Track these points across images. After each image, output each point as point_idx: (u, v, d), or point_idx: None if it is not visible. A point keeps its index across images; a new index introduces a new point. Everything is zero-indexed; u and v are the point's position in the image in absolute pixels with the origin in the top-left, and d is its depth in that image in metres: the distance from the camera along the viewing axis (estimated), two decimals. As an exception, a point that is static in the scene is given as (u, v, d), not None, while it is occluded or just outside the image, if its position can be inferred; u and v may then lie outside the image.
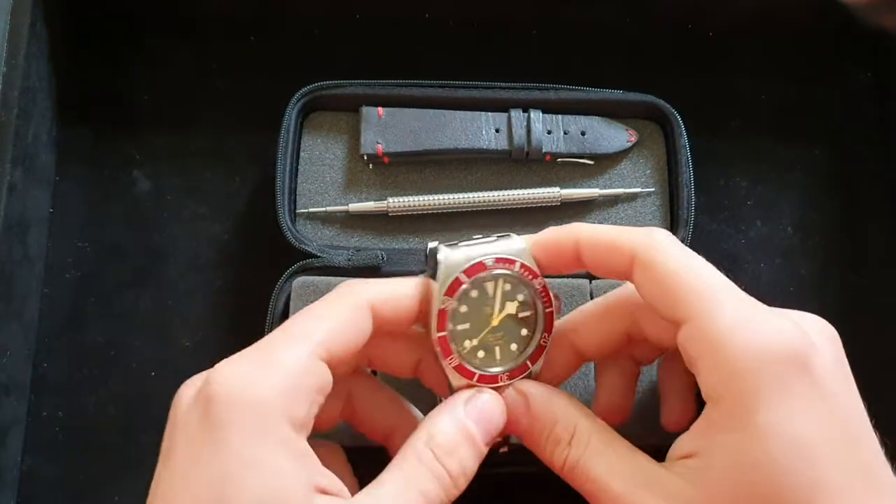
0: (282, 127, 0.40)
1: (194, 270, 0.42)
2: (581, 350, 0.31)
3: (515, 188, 0.41)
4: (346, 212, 0.40)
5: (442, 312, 0.29)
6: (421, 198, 0.40)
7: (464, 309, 0.29)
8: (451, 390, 0.29)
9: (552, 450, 0.28)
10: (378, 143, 0.40)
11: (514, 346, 0.30)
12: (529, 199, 0.41)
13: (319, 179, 0.41)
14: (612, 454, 0.27)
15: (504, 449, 0.31)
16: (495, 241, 0.30)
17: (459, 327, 0.29)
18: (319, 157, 0.41)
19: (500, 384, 0.29)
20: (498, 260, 0.29)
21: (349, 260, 0.38)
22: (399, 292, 0.29)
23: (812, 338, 0.26)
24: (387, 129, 0.40)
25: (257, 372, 0.25)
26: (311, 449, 0.25)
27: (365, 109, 0.41)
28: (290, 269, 0.38)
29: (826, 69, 0.47)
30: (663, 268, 0.27)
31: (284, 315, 0.38)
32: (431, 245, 0.30)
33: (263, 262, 0.41)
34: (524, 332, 0.30)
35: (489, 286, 0.30)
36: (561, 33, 0.47)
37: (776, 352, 0.25)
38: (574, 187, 0.41)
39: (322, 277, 0.38)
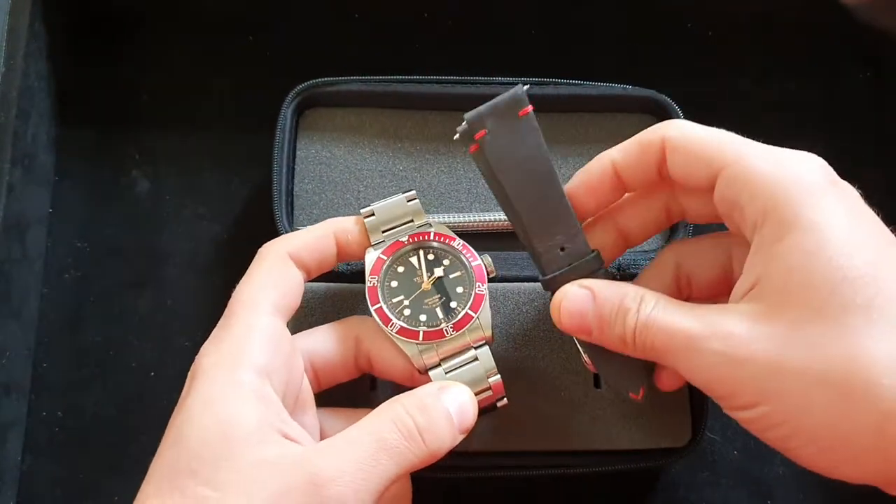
0: (277, 125, 0.40)
1: (194, 270, 0.42)
2: (625, 231, 0.32)
3: None
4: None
5: (371, 289, 0.32)
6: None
7: (394, 284, 0.32)
8: (413, 363, 0.31)
9: (622, 321, 0.28)
10: (486, 130, 0.30)
11: (454, 304, 0.32)
12: None
13: (317, 178, 0.41)
14: (680, 307, 0.28)
15: (504, 402, 0.32)
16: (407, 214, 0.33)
17: (394, 299, 0.32)
18: (316, 155, 0.41)
19: (448, 337, 0.31)
20: (413, 236, 0.33)
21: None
22: (312, 238, 0.32)
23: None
24: (508, 130, 0.30)
25: (220, 337, 0.28)
26: (275, 396, 0.27)
27: (518, 92, 0.31)
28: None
29: (826, 68, 0.47)
30: (692, 136, 0.29)
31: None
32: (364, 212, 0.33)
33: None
34: (460, 289, 0.32)
35: (412, 259, 0.33)
36: (560, 33, 0.47)
37: (809, 167, 0.27)
38: None
39: (320, 284, 0.38)
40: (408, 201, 0.34)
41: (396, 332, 0.31)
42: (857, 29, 0.45)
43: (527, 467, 0.36)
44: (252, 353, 0.27)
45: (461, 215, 0.40)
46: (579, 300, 0.29)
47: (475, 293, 0.32)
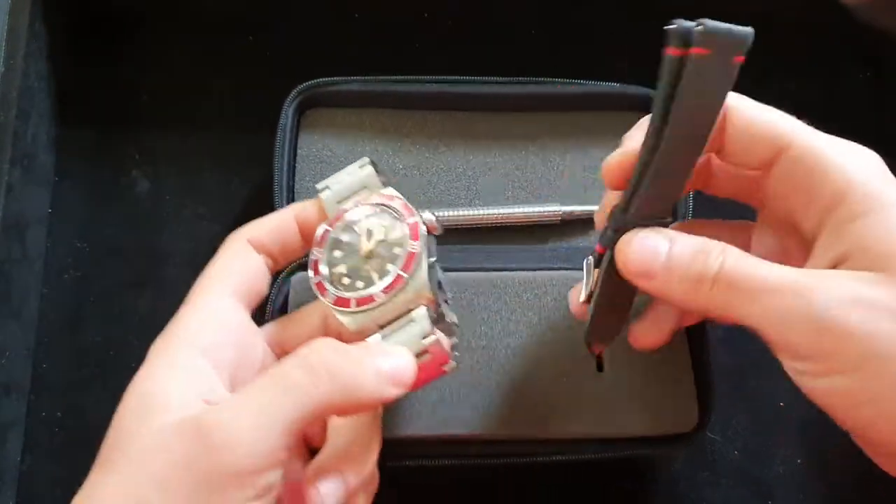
0: (279, 124, 0.40)
1: (194, 270, 0.42)
2: None
3: (524, 203, 0.41)
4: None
5: (314, 262, 0.31)
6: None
7: (337, 253, 0.31)
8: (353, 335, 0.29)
9: (704, 261, 0.26)
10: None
11: (389, 267, 0.30)
12: (529, 216, 0.40)
13: (318, 177, 0.41)
14: (764, 261, 0.26)
15: (451, 366, 0.30)
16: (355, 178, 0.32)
17: (338, 269, 0.30)
18: (317, 154, 0.41)
19: (378, 301, 0.29)
20: (358, 204, 0.31)
21: None
22: (272, 221, 0.32)
23: None
24: None
25: (170, 322, 0.28)
26: (211, 372, 0.27)
27: None
28: (289, 267, 0.38)
29: (826, 68, 0.47)
30: (755, 110, 0.28)
31: (283, 312, 0.38)
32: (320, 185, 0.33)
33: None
34: (397, 250, 0.30)
35: (356, 227, 0.31)
36: (560, 32, 0.47)
37: (873, 157, 0.27)
38: (574, 202, 0.41)
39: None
40: (360, 167, 0.32)
41: (332, 303, 0.29)
42: (857, 29, 0.45)
43: (531, 454, 0.36)
44: (194, 332, 0.27)
45: (461, 210, 0.40)
46: (654, 240, 0.27)
47: (408, 251, 0.30)
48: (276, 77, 0.42)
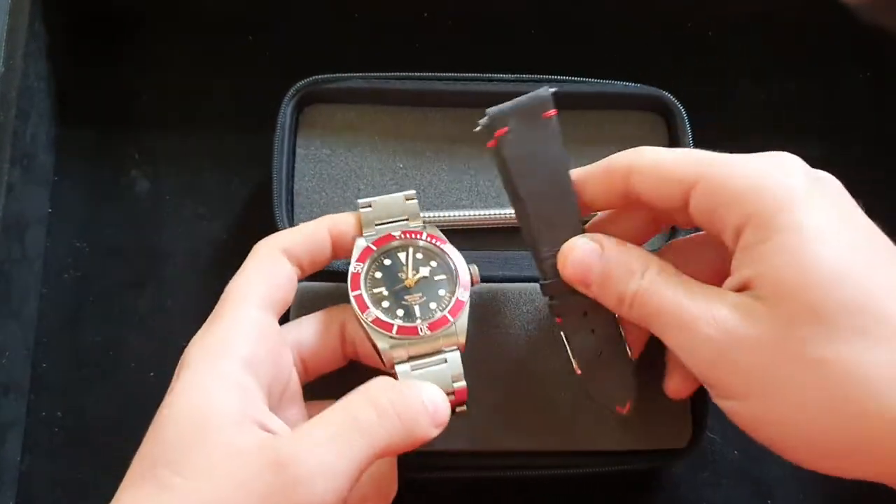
0: (277, 123, 0.40)
1: (194, 270, 0.42)
2: (587, 203, 0.31)
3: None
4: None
5: (354, 275, 0.31)
6: (423, 214, 0.40)
7: (378, 274, 0.32)
8: (382, 357, 0.30)
9: (625, 282, 0.28)
10: (508, 128, 0.31)
11: (433, 305, 0.31)
12: None
13: (317, 176, 0.41)
14: (684, 283, 0.28)
15: (463, 408, 0.31)
16: (403, 214, 0.33)
17: (375, 290, 0.31)
18: (316, 152, 0.41)
19: (421, 335, 0.30)
20: (405, 232, 0.33)
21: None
22: (305, 233, 0.32)
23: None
24: (527, 130, 0.31)
25: (206, 330, 0.29)
26: (257, 388, 0.27)
27: (541, 93, 0.31)
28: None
29: (825, 68, 0.47)
30: (660, 159, 0.29)
31: (283, 319, 0.38)
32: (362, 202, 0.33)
33: (263, 261, 0.41)
34: (441, 292, 0.32)
35: (401, 254, 0.32)
36: (560, 32, 0.47)
37: (786, 169, 0.27)
38: None
39: (322, 283, 0.38)
40: (406, 200, 0.34)
41: (371, 321, 0.30)
42: (857, 29, 0.45)
43: (527, 467, 0.36)
44: (236, 345, 0.27)
45: (461, 211, 0.40)
46: (587, 251, 0.29)
47: (457, 298, 0.31)
48: (276, 77, 0.42)
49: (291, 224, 0.39)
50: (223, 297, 0.30)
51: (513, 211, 0.40)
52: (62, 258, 0.42)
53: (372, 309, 0.31)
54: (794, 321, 0.25)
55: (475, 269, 0.33)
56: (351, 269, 0.32)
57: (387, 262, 0.32)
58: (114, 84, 0.45)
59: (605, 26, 0.46)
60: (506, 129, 0.30)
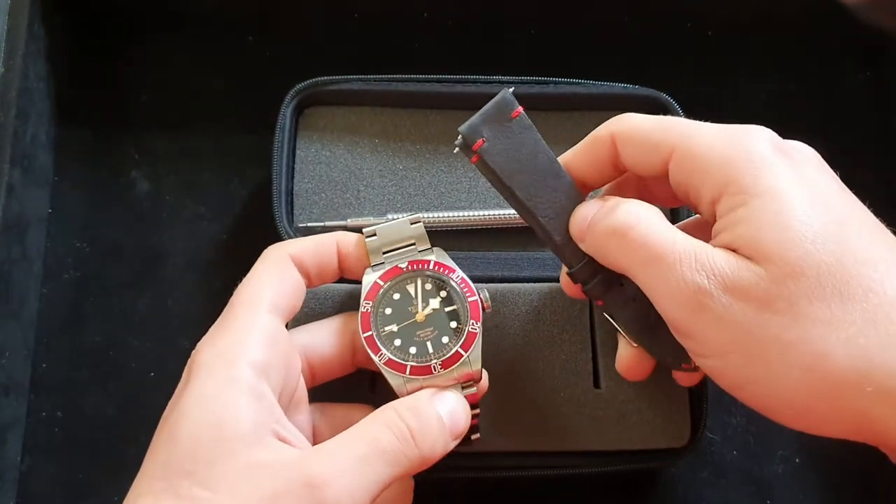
0: (277, 125, 0.40)
1: (193, 270, 0.42)
2: (580, 180, 0.32)
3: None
4: (345, 227, 0.40)
5: (364, 315, 0.31)
6: (419, 215, 0.39)
7: (388, 311, 0.31)
8: (397, 394, 0.30)
9: (613, 217, 0.29)
10: (484, 139, 0.31)
11: (445, 339, 0.31)
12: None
13: (317, 179, 0.41)
14: (676, 229, 0.28)
15: (476, 435, 0.32)
16: (409, 244, 0.33)
17: (386, 328, 0.31)
18: (316, 154, 0.41)
19: (435, 374, 0.30)
20: (412, 262, 0.32)
21: None
22: (315, 244, 0.32)
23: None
24: (505, 134, 0.31)
25: (218, 332, 0.28)
26: (271, 395, 0.27)
27: (506, 97, 0.31)
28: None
29: (825, 67, 0.47)
30: (638, 126, 0.29)
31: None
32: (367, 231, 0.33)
33: (262, 262, 0.41)
34: (453, 324, 0.31)
35: (409, 287, 0.32)
36: (560, 32, 0.47)
37: (755, 138, 0.27)
38: None
39: (328, 285, 0.38)
40: (411, 224, 0.34)
41: (384, 363, 0.30)
42: (857, 29, 0.45)
43: (527, 467, 0.36)
44: (250, 350, 0.27)
45: (461, 212, 0.40)
46: (587, 207, 0.30)
47: (468, 331, 0.31)
48: (276, 77, 0.42)
49: (291, 224, 0.40)
50: (233, 300, 0.30)
51: (511, 211, 0.40)
52: (62, 258, 0.42)
53: (384, 351, 0.31)
54: (778, 279, 0.25)
55: (486, 295, 0.32)
56: (361, 308, 0.31)
57: (396, 296, 0.32)
58: (114, 84, 0.45)
59: (605, 26, 0.46)
60: (482, 140, 0.30)
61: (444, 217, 0.40)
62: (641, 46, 0.46)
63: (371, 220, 0.40)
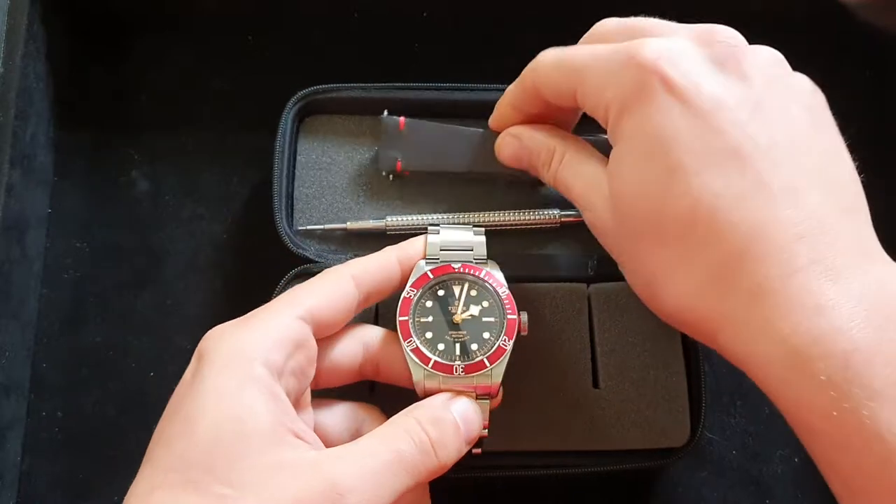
0: (278, 131, 0.40)
1: (193, 270, 0.42)
2: (516, 112, 0.36)
3: (515, 207, 0.40)
4: (345, 230, 0.40)
5: (406, 300, 0.32)
6: (419, 217, 0.40)
7: (429, 304, 0.32)
8: (415, 385, 0.31)
9: (544, 171, 0.34)
10: (398, 158, 0.39)
11: (474, 346, 0.31)
12: (528, 220, 0.40)
13: (317, 184, 0.41)
14: (577, 165, 0.33)
15: (478, 450, 0.32)
16: (469, 248, 0.34)
17: (423, 319, 0.32)
18: (317, 161, 0.41)
19: (455, 375, 0.31)
20: (465, 266, 0.33)
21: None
22: (379, 264, 0.32)
23: (667, 57, 0.29)
24: (407, 142, 0.39)
25: (239, 326, 0.28)
26: (285, 396, 0.27)
27: (386, 120, 0.39)
28: (288, 276, 0.38)
29: (825, 68, 0.46)
30: (548, 67, 0.33)
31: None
32: (431, 229, 0.35)
33: (262, 262, 0.41)
34: (486, 335, 0.32)
35: (455, 288, 0.32)
36: (560, 33, 0.46)
37: (633, 64, 0.29)
38: (573, 206, 0.41)
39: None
40: (475, 234, 0.35)
41: (411, 350, 0.31)
42: (857, 29, 0.45)
43: (527, 467, 0.36)
44: (271, 350, 0.27)
45: (460, 214, 0.40)
46: (511, 146, 0.36)
47: (499, 345, 0.31)
48: (276, 77, 0.42)
49: (291, 229, 0.40)
50: (278, 299, 0.30)
51: (510, 212, 0.40)
52: (62, 258, 0.42)
53: (414, 338, 0.31)
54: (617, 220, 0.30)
55: (525, 317, 0.32)
56: (404, 293, 0.32)
57: (440, 292, 0.32)
58: (113, 84, 0.45)
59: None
60: (398, 161, 0.39)
61: (443, 218, 0.40)
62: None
63: (371, 223, 0.40)
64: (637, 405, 0.37)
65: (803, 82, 0.31)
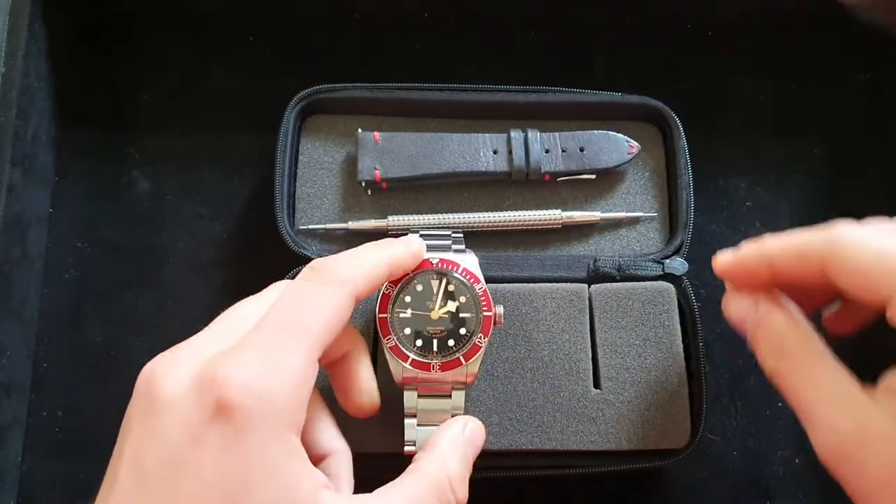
0: (280, 131, 0.40)
1: (194, 270, 0.42)
2: (775, 270, 0.30)
3: (517, 208, 0.41)
4: (346, 229, 0.40)
5: (384, 296, 0.33)
6: (422, 217, 0.40)
7: (407, 298, 0.33)
8: (393, 377, 0.32)
9: (774, 356, 0.29)
10: (376, 168, 0.40)
11: (451, 343, 0.32)
12: (532, 221, 0.40)
13: (318, 183, 0.41)
14: (817, 369, 0.28)
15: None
16: (451, 250, 0.34)
17: (401, 314, 0.32)
18: (318, 160, 0.41)
19: (432, 373, 0.32)
20: (443, 261, 0.33)
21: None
22: (370, 270, 0.30)
23: None
24: (384, 154, 0.40)
25: (270, 379, 0.25)
26: (303, 447, 0.26)
27: (361, 135, 0.40)
28: (289, 276, 0.38)
29: (825, 68, 0.47)
30: (855, 261, 0.27)
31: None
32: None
33: (263, 261, 0.41)
34: (463, 331, 0.33)
35: (433, 283, 0.33)
36: (560, 33, 0.47)
37: None
38: (575, 207, 0.41)
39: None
40: (452, 233, 0.35)
41: (390, 347, 0.32)
42: (857, 29, 0.45)
43: (527, 467, 0.36)
44: (299, 413, 0.26)
45: (461, 216, 0.40)
46: (744, 303, 0.31)
47: (474, 342, 0.32)
48: (276, 76, 0.42)
49: (293, 228, 0.40)
50: (281, 324, 0.27)
51: (510, 213, 0.40)
52: (62, 258, 0.42)
53: (393, 336, 0.32)
54: None
55: (501, 310, 0.33)
56: (383, 289, 0.33)
57: (419, 287, 0.33)
58: (114, 84, 0.45)
59: (605, 28, 0.46)
60: (377, 171, 0.39)
61: (443, 220, 0.40)
62: (642, 47, 0.46)
63: (373, 223, 0.40)
64: (638, 406, 0.37)
65: None
